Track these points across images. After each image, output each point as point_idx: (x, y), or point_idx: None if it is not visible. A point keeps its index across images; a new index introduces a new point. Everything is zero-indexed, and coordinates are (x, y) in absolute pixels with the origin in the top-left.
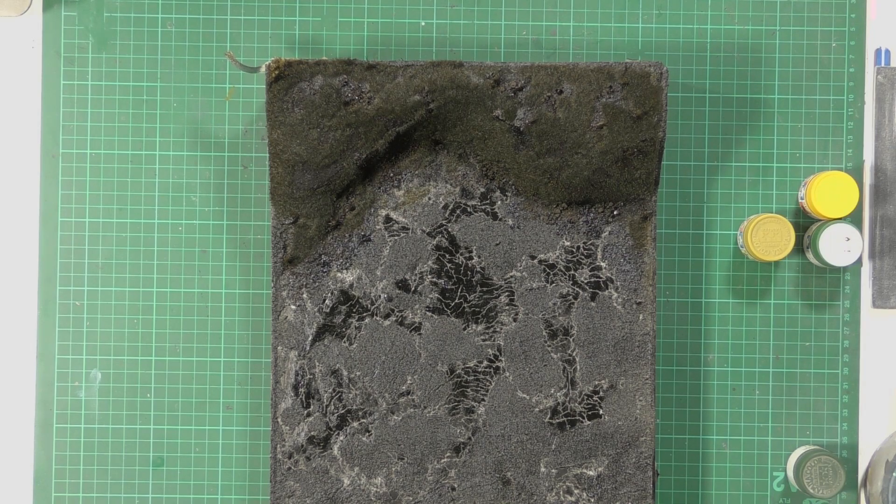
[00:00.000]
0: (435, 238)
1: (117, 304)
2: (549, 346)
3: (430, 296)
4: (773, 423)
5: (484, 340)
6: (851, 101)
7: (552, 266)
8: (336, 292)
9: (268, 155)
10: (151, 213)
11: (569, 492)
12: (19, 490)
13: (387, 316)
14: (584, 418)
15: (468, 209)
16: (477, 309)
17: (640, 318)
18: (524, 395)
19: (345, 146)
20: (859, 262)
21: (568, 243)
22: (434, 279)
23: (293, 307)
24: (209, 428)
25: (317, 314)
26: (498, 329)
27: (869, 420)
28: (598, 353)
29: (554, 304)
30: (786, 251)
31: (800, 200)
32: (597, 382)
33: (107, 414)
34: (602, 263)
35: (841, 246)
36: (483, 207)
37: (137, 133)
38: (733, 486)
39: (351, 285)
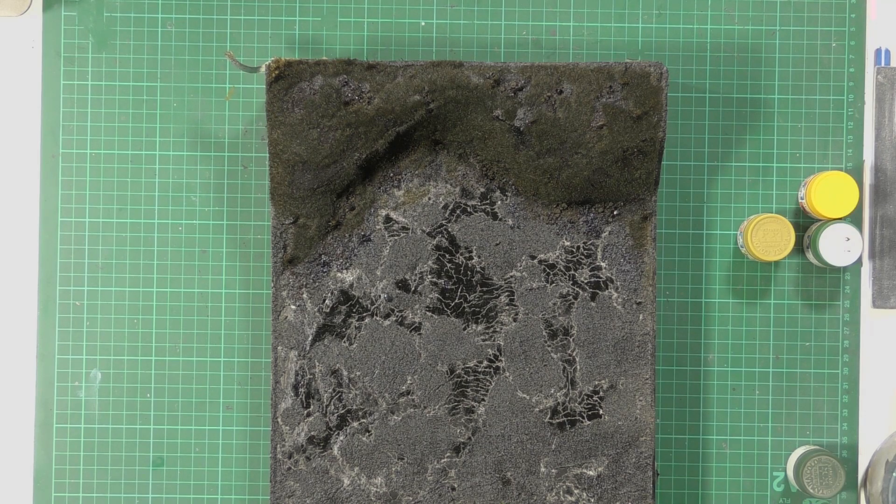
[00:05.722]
0: (435, 238)
1: (117, 304)
2: (549, 346)
3: (430, 296)
4: (773, 423)
5: (484, 340)
6: (851, 101)
7: (552, 266)
8: (336, 292)
9: (268, 155)
10: (151, 213)
11: (569, 492)
12: (19, 490)
13: (387, 316)
14: (584, 418)
15: (468, 209)
16: (477, 309)
17: (640, 318)
18: (524, 395)
19: (345, 146)
20: (859, 262)
21: (568, 243)
22: (434, 279)
23: (293, 307)
24: (209, 428)
25: (317, 314)
26: (498, 329)
27: (869, 420)
28: (598, 353)
29: (554, 304)
30: (786, 251)
31: (800, 200)
32: (597, 382)
33: (107, 414)
34: (602, 263)
35: (841, 246)
36: (483, 207)
37: (137, 133)
38: (733, 486)
39: (351, 285)
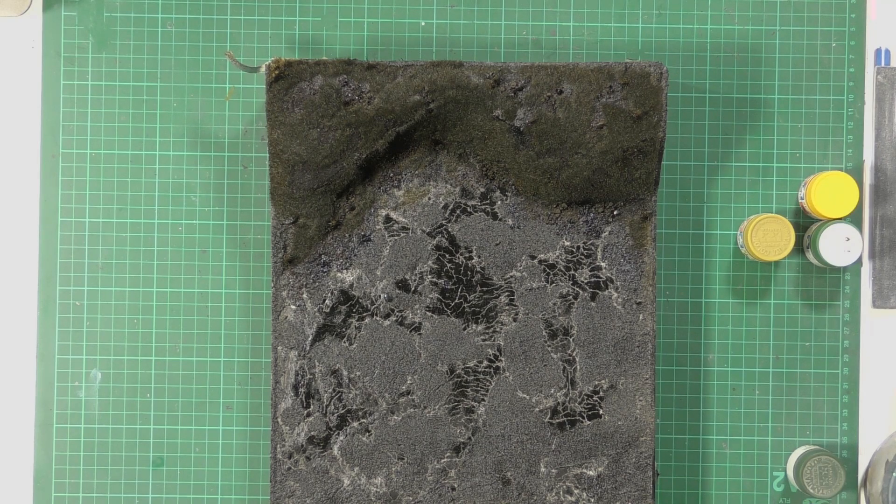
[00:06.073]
0: (435, 238)
1: (117, 304)
2: (549, 346)
3: (430, 296)
4: (773, 423)
5: (484, 340)
6: (851, 101)
7: (552, 266)
8: (336, 292)
9: (268, 155)
10: (151, 213)
11: (569, 492)
12: (19, 490)
13: (387, 316)
14: (584, 418)
15: (468, 209)
16: (477, 309)
17: (640, 318)
18: (524, 395)
19: (345, 146)
20: (859, 262)
21: (568, 243)
22: (434, 279)
23: (293, 307)
24: (209, 428)
25: (317, 314)
26: (498, 329)
27: (869, 420)
28: (598, 353)
29: (554, 304)
30: (786, 251)
31: (800, 200)
32: (597, 382)
33: (107, 414)
34: (602, 263)
35: (841, 246)
36: (483, 207)
37: (137, 133)
38: (733, 486)
39: (351, 285)
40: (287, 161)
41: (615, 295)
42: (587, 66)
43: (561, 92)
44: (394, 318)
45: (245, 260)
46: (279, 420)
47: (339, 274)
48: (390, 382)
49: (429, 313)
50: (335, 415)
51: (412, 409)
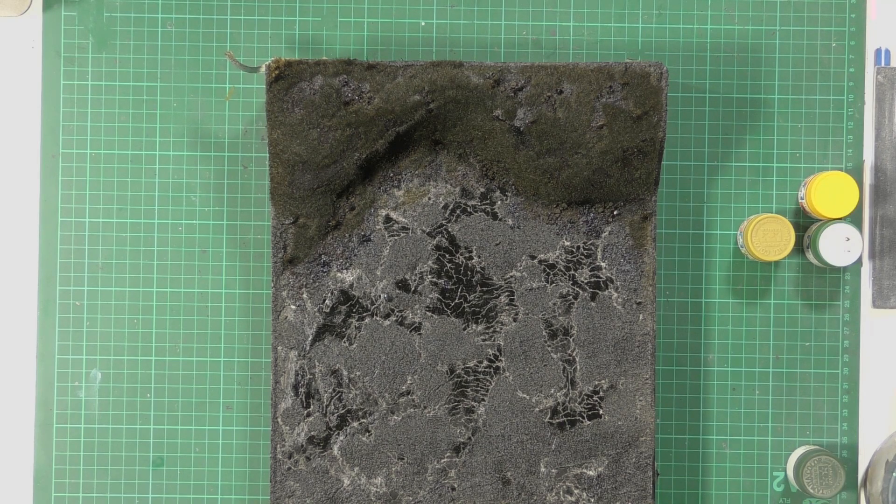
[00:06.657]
0: (435, 238)
1: (117, 304)
2: (549, 346)
3: (430, 296)
4: (773, 423)
5: (484, 340)
6: (851, 101)
7: (552, 266)
8: (336, 292)
9: (268, 155)
10: (151, 213)
11: (569, 492)
12: (19, 490)
13: (387, 316)
14: (584, 418)
15: (468, 209)
16: (477, 309)
17: (640, 318)
18: (524, 395)
19: (345, 146)
20: (859, 262)
21: (568, 243)
22: (434, 279)
23: (293, 307)
24: (209, 428)
25: (317, 314)
26: (498, 329)
27: (869, 420)
28: (598, 353)
29: (554, 304)
30: (786, 251)
31: (800, 200)
32: (597, 382)
33: (107, 414)
34: (602, 263)
35: (841, 246)
36: (483, 207)
37: (137, 133)
38: (733, 486)
39: (351, 285)
40: (287, 161)
41: (615, 295)
42: (587, 66)
43: (561, 92)
44: (394, 318)
45: (245, 260)
46: (279, 420)
47: (339, 274)
48: (390, 382)
49: (429, 313)
50: (335, 415)
51: (412, 409)
